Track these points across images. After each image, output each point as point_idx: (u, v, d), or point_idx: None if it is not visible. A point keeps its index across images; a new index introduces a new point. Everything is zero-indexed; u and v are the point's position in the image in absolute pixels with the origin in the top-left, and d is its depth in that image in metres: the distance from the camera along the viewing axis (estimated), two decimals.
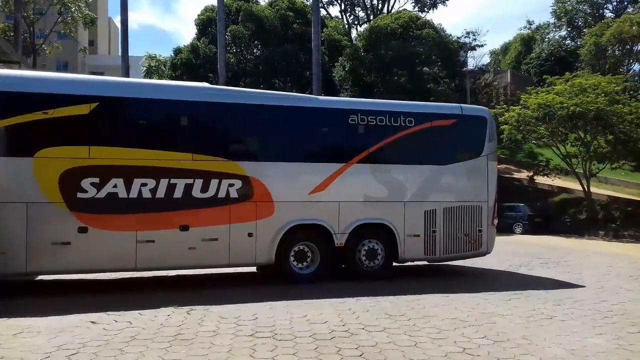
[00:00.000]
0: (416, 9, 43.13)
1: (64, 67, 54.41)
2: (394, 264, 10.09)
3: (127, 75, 24.30)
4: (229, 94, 9.64)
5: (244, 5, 37.50)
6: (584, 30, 47.51)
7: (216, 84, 21.10)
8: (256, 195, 9.02)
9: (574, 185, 25.39)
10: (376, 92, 31.42)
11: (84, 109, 8.27)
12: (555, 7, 52.70)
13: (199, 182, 8.70)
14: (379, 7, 44.78)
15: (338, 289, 8.70)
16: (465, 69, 36.41)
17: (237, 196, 8.91)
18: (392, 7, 44.46)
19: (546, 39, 54.49)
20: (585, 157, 23.09)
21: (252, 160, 9.20)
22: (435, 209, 10.02)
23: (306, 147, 9.70)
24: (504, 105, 28.85)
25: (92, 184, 8.19)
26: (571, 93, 22.39)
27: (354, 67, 34.65)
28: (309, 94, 20.61)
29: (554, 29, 55.69)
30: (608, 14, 50.67)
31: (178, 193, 8.59)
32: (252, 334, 6.01)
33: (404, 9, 42.90)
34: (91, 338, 5.77)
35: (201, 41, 37.46)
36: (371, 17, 43.83)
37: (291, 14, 38.21)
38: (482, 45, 54.66)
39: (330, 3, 45.32)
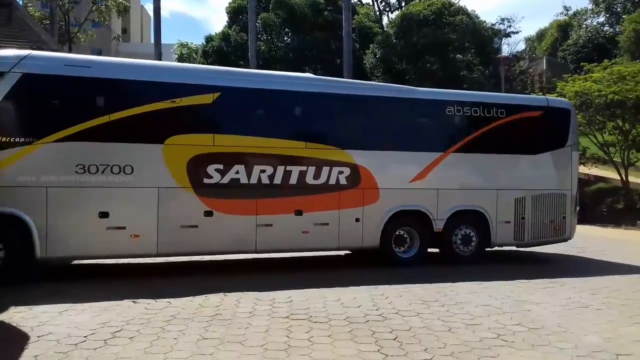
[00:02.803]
0: None
1: (98, 55, 55.39)
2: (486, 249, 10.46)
3: None
4: (340, 85, 10.05)
5: None
6: (623, 16, 46.07)
7: None
8: (363, 182, 9.40)
9: (611, 174, 24.78)
10: (408, 79, 31.12)
11: (207, 99, 8.62)
12: None
13: (312, 170, 9.10)
14: None
15: (385, 274, 8.76)
16: (499, 55, 35.84)
17: (346, 183, 9.30)
18: None
19: (583, 26, 53.09)
20: (624, 146, 22.52)
21: (360, 149, 9.51)
22: (525, 197, 10.43)
23: (407, 137, 9.98)
24: (539, 93, 28.29)
25: (217, 170, 8.58)
26: (609, 81, 21.79)
27: (386, 55, 34.38)
28: None
29: (591, 15, 54.26)
30: None
31: (293, 179, 9.00)
32: (288, 316, 6.14)
33: None
34: (133, 316, 5.98)
35: (232, 29, 37.70)
36: (402, 4, 43.32)
37: (322, 0, 38.07)
38: (517, 32, 53.50)
39: None
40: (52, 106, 7.98)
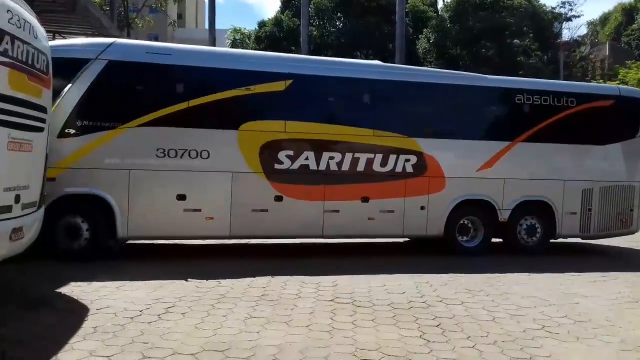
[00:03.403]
0: None
1: (154, 40, 56.67)
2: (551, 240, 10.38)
3: None
4: (407, 73, 10.10)
5: None
6: None
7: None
8: (429, 170, 9.46)
9: None
10: (462, 65, 30.54)
11: (280, 86, 8.84)
12: None
13: (379, 157, 9.20)
14: None
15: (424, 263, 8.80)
16: (559, 40, 34.62)
17: (412, 171, 9.36)
18: None
19: None
20: None
21: (426, 137, 9.55)
22: (593, 188, 10.31)
23: (475, 125, 10.01)
24: (600, 81, 27.21)
25: (287, 156, 8.82)
26: None
27: (439, 39, 33.81)
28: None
29: None
30: None
31: (360, 167, 9.13)
32: (332, 299, 6.29)
33: None
34: (186, 294, 6.27)
35: (285, 14, 37.91)
36: None
37: None
38: (578, 16, 51.30)
39: None
40: (134, 92, 8.36)
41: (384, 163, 9.21)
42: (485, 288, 7.18)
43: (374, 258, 9.50)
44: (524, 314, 5.99)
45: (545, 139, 10.06)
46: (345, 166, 9.04)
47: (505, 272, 8.20)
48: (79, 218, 8.00)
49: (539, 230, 10.16)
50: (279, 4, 40.24)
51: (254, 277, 7.23)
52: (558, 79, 30.40)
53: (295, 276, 7.39)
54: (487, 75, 10.68)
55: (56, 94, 7.55)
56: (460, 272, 8.06)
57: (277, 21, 37.52)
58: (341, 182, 9.03)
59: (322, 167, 8.94)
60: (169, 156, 8.27)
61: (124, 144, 8.12)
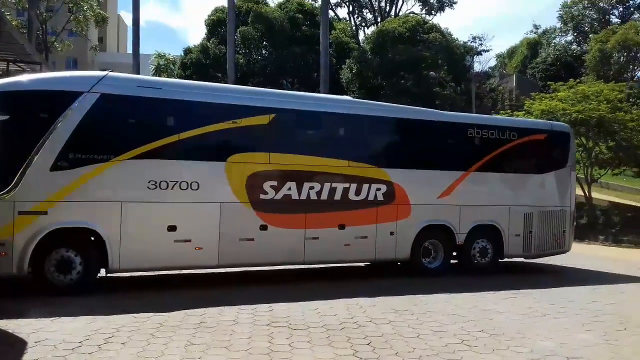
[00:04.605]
0: (423, 12, 43.71)
1: (73, 64, 54.83)
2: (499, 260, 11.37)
3: (138, 73, 24.86)
4: (378, 108, 10.76)
5: (253, 7, 38.06)
6: (590, 36, 47.86)
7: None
8: (397, 198, 10.15)
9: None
10: (383, 94, 31.90)
11: (264, 119, 9.14)
12: (561, 12, 53.11)
13: (353, 186, 9.77)
14: (387, 10, 45.31)
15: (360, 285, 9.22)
16: (470, 71, 36.89)
17: (382, 199, 10.01)
18: (400, 9, 45.05)
19: (552, 44, 54.85)
20: (587, 163, 23.50)
21: (394, 167, 10.21)
22: (532, 212, 11.42)
23: (436, 156, 10.81)
24: (508, 111, 29.26)
25: (272, 186, 9.14)
26: (574, 100, 22.79)
27: (361, 70, 35.15)
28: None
29: (560, 34, 56.15)
30: (614, 19, 51.15)
31: (337, 195, 9.64)
32: (269, 324, 6.57)
33: (412, 12, 43.49)
34: (123, 324, 6.33)
35: (211, 41, 38.07)
36: (379, 20, 44.37)
37: (300, 15, 38.79)
38: (487, 50, 55.32)
39: (339, 5, 45.83)
40: (126, 125, 8.42)
41: (358, 192, 9.80)
42: (411, 307, 7.71)
43: (308, 283, 9.83)
44: (445, 330, 6.54)
45: (493, 169, 11.21)
46: (324, 195, 9.54)
47: (428, 293, 8.79)
48: (72, 251, 7.92)
49: (489, 251, 11.15)
50: (205, 31, 40.37)
51: (191, 306, 7.36)
52: (471, 109, 32.40)
53: (232, 305, 7.55)
54: (444, 112, 11.87)
55: (48, 126, 7.64)
56: (388, 295, 8.56)
57: (203, 48, 37.59)
58: (320, 211, 9.53)
59: (303, 196, 9.40)
60: (161, 188, 8.38)
61: (116, 176, 8.15)
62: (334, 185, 9.61)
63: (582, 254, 16.44)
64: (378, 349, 5.74)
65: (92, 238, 8.05)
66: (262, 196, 9.09)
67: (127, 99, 8.39)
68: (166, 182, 8.42)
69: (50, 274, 7.81)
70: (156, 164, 8.41)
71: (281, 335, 6.10)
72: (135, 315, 6.78)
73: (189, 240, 8.57)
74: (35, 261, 7.66)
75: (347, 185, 9.71)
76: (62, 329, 6.08)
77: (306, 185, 9.40)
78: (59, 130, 7.81)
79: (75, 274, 7.93)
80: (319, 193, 9.50)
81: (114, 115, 8.35)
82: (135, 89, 8.53)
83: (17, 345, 5.45)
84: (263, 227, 9.05)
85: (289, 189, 9.29)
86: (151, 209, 8.36)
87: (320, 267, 11.29)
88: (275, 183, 9.20)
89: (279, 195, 9.21)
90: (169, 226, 8.43)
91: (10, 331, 5.93)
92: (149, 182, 8.31)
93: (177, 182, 8.49)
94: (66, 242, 7.95)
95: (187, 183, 8.55)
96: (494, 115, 13.47)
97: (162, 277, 9.82)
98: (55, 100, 7.82)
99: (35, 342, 5.55)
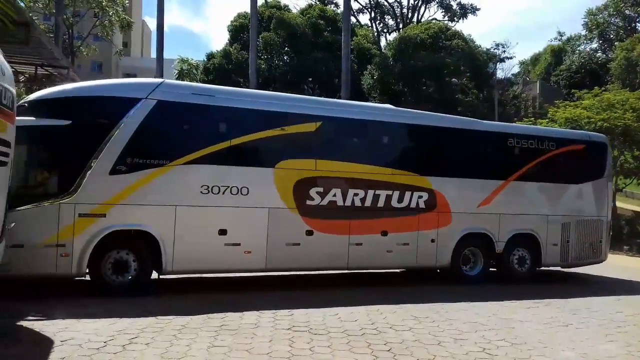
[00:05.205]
0: (446, 18, 43.61)
1: (98, 69, 55.90)
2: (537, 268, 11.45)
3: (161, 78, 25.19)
4: (419, 117, 10.92)
5: (276, 13, 38.43)
6: (615, 43, 47.19)
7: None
8: (438, 206, 10.32)
9: None
10: (404, 101, 31.84)
11: (311, 127, 9.38)
12: (586, 20, 52.49)
13: (396, 194, 9.95)
14: (409, 16, 45.28)
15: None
16: (493, 78, 36.63)
17: (424, 207, 10.19)
18: (422, 16, 45.00)
19: (577, 51, 54.27)
20: (612, 172, 23.21)
21: (436, 175, 10.36)
22: (570, 222, 11.56)
23: (477, 165, 10.94)
24: (532, 118, 29.00)
25: (318, 192, 9.34)
26: (599, 108, 22.54)
27: (383, 76, 35.14)
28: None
29: (585, 41, 55.47)
30: None
31: (381, 202, 9.82)
32: (290, 328, 6.61)
33: (434, 19, 43.45)
34: (147, 325, 6.44)
35: (233, 47, 38.42)
36: (401, 26, 44.34)
37: (322, 22, 38.97)
38: (510, 58, 54.47)
39: (361, 11, 46.02)
40: (181, 131, 8.63)
41: (400, 199, 9.96)
42: (431, 315, 7.69)
43: (329, 289, 9.87)
44: (466, 338, 6.51)
45: (533, 178, 11.31)
46: (368, 202, 9.70)
47: (447, 302, 8.75)
48: (128, 253, 8.17)
49: (527, 260, 11.25)
50: (227, 36, 40.77)
51: (212, 309, 7.44)
52: (493, 116, 32.17)
53: (253, 310, 7.61)
54: (485, 121, 11.96)
55: (107, 131, 7.91)
56: (408, 302, 8.55)
57: (225, 53, 37.96)
58: (364, 217, 9.67)
59: (348, 202, 9.56)
60: (213, 192, 8.59)
61: (171, 181, 8.36)
62: (377, 192, 9.77)
63: (607, 264, 16.18)
64: (399, 355, 5.74)
65: (148, 241, 8.26)
66: (308, 202, 9.27)
67: (182, 105, 8.60)
68: (218, 187, 8.63)
69: (107, 274, 8.06)
70: (208, 170, 8.65)
71: (301, 340, 6.14)
72: (158, 317, 6.88)
73: (239, 244, 8.78)
74: (92, 262, 7.89)
75: (390, 192, 9.86)
76: (86, 328, 6.19)
77: (351, 192, 9.58)
78: (118, 136, 8.05)
79: (130, 276, 8.17)
80: (363, 200, 9.66)
81: (170, 122, 8.57)
82: (190, 96, 8.76)
83: (44, 343, 5.57)
84: (309, 233, 9.24)
85: (334, 195, 9.46)
86: (203, 213, 8.56)
87: (339, 273, 11.33)
88: (321, 189, 9.37)
89: (325, 202, 9.39)
90: (220, 230, 8.64)
91: (36, 329, 6.07)
92: (201, 187, 8.54)
93: (228, 187, 8.71)
94: (123, 244, 8.18)
95: (238, 188, 8.76)
96: (532, 125, 13.54)
97: (183, 280, 9.94)
98: (115, 106, 8.10)
99: (62, 341, 5.67)
